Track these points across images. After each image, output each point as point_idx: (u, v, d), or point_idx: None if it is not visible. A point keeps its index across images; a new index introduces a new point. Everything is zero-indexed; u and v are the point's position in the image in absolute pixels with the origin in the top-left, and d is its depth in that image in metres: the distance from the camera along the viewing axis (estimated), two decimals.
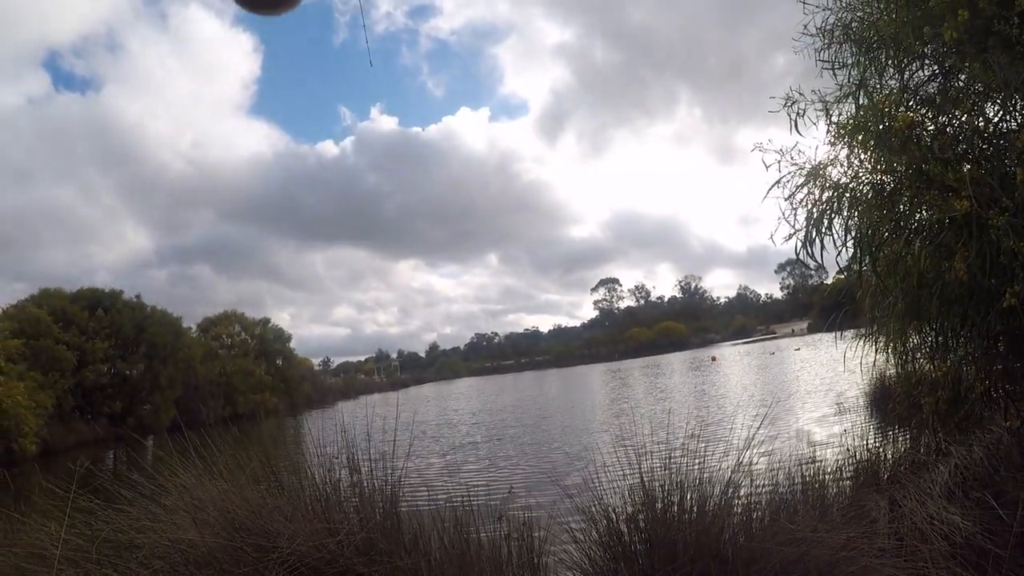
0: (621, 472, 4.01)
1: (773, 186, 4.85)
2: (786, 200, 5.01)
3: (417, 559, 3.09)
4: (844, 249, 5.08)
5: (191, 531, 3.25)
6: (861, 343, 8.58)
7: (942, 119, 4.25)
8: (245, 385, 38.34)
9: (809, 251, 4.92)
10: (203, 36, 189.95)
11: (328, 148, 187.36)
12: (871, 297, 5.47)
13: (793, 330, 79.49)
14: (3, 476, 4.40)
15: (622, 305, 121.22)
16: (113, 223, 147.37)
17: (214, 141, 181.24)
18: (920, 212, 4.20)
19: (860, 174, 4.54)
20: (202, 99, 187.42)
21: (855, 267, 5.44)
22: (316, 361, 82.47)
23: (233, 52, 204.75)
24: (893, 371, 8.81)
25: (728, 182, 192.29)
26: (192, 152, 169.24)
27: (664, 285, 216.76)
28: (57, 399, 25.03)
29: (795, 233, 5.01)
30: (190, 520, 3.33)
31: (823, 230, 4.75)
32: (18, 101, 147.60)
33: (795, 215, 4.99)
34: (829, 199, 4.50)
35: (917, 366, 5.10)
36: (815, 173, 4.50)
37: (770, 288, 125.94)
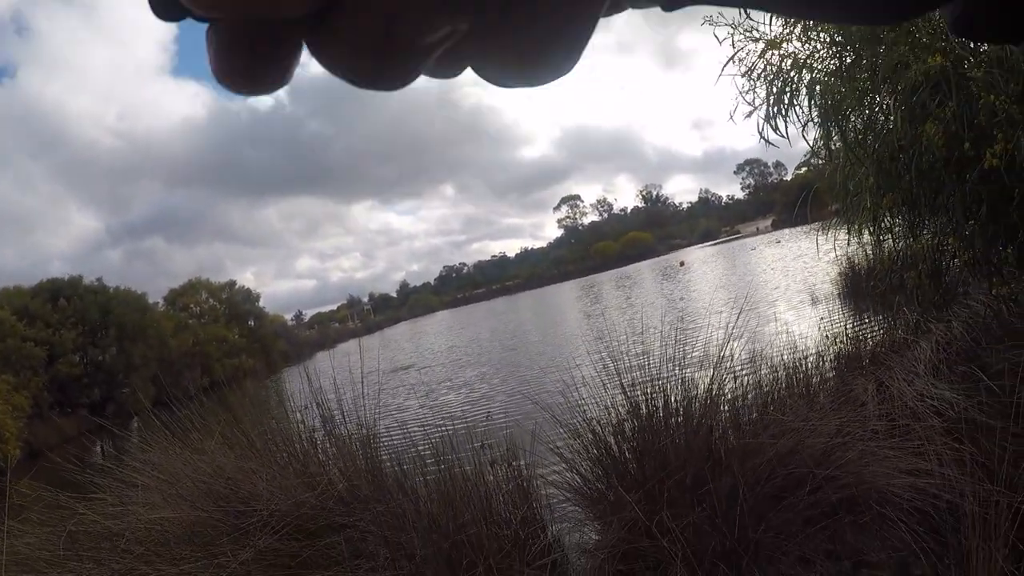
0: (602, 385, 3.91)
1: (729, 61, 4.54)
2: (743, 76, 4.69)
3: (401, 501, 3.00)
4: (811, 123, 4.81)
5: (165, 509, 3.11)
6: (831, 232, 8.54)
7: None
8: (220, 351, 37.45)
9: (773, 125, 4.66)
10: (110, 1, 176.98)
11: (262, 99, 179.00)
12: (840, 173, 5.27)
13: (758, 228, 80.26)
14: None
15: (586, 221, 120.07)
16: (56, 208, 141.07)
17: (141, 110, 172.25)
18: (889, 78, 3.99)
19: (818, 47, 4.29)
20: (121, 68, 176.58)
21: (821, 144, 5.17)
22: (288, 316, 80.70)
23: (145, 12, 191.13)
24: (863, 256, 8.88)
25: (676, 87, 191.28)
26: (119, 125, 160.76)
27: (625, 197, 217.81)
28: (33, 398, 23.99)
29: (756, 109, 4.70)
30: (161, 497, 3.19)
31: (787, 102, 4.49)
32: None
33: (755, 90, 4.69)
34: (789, 70, 4.24)
35: (895, 243, 5.02)
36: (774, 43, 4.23)
37: (731, 190, 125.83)
